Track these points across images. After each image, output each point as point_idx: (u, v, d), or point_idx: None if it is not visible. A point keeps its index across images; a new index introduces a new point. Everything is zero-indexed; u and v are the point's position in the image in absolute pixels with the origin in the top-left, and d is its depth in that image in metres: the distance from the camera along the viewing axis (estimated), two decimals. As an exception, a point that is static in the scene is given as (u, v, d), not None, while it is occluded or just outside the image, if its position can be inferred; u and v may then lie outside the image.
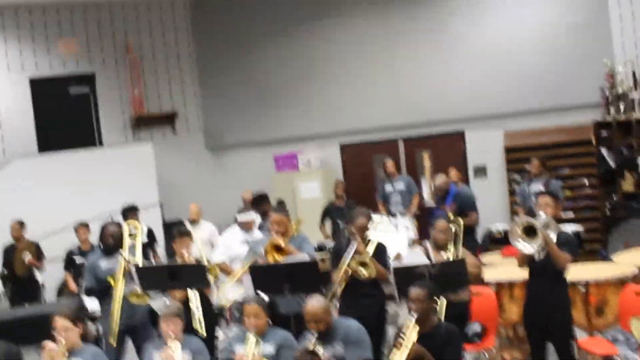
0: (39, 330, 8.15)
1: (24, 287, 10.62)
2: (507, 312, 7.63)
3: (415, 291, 5.61)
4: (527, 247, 6.14)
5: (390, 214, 11.32)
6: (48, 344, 5.86)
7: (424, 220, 11.28)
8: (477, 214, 9.93)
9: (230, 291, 7.99)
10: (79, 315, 6.18)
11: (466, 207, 9.62)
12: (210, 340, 7.58)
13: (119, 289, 7.44)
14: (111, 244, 7.72)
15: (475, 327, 7.10)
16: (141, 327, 7.73)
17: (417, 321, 5.49)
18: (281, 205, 9.39)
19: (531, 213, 10.09)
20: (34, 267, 10.62)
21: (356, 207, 7.91)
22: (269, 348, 5.88)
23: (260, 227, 10.36)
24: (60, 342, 5.84)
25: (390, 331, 7.54)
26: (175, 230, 7.83)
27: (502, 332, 7.87)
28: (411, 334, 5.40)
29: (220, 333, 8.19)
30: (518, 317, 7.42)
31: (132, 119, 13.82)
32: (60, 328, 5.91)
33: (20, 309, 9.79)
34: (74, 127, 13.50)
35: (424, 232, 10.59)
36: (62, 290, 10.75)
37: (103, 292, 7.61)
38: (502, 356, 7.56)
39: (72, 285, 10.19)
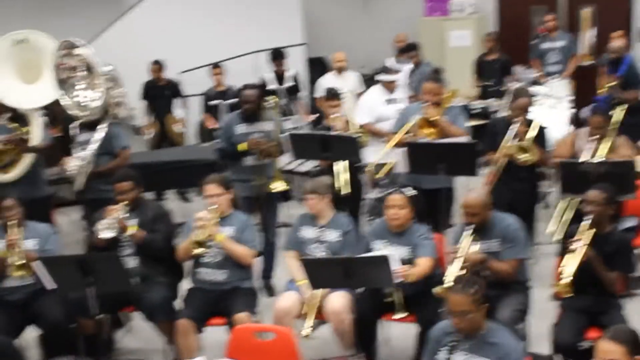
0: (179, 174, 8.49)
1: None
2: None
3: (593, 193, 5.29)
4: None
5: (545, 73, 10.70)
6: (199, 213, 5.79)
7: (581, 81, 10.74)
8: None
9: (373, 153, 7.69)
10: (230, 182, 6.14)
11: (633, 83, 8.84)
12: (356, 202, 7.56)
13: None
14: (247, 109, 7.18)
15: (629, 221, 6.63)
16: (269, 197, 7.34)
17: (592, 225, 5.21)
18: (437, 73, 8.98)
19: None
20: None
21: (519, 86, 7.49)
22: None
23: (413, 73, 10.09)
24: (212, 208, 5.78)
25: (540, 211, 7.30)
26: (326, 91, 7.65)
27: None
28: (585, 238, 5.14)
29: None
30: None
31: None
32: (212, 194, 5.85)
33: (162, 152, 9.82)
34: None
35: (580, 94, 10.11)
36: (201, 130, 10.65)
37: (235, 155, 7.19)
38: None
39: (210, 122, 10.09)
